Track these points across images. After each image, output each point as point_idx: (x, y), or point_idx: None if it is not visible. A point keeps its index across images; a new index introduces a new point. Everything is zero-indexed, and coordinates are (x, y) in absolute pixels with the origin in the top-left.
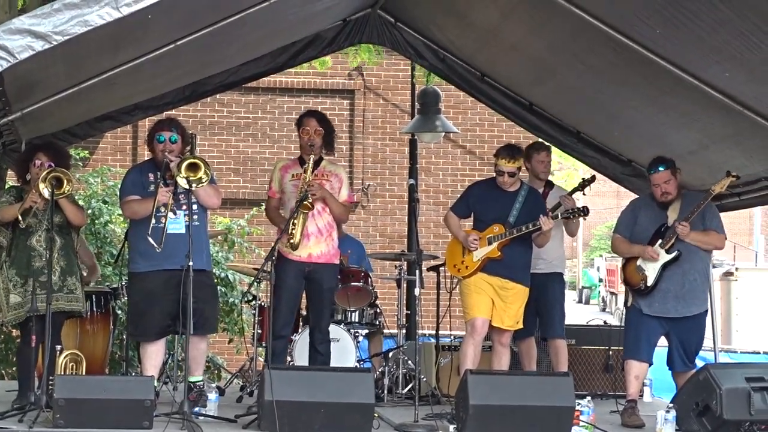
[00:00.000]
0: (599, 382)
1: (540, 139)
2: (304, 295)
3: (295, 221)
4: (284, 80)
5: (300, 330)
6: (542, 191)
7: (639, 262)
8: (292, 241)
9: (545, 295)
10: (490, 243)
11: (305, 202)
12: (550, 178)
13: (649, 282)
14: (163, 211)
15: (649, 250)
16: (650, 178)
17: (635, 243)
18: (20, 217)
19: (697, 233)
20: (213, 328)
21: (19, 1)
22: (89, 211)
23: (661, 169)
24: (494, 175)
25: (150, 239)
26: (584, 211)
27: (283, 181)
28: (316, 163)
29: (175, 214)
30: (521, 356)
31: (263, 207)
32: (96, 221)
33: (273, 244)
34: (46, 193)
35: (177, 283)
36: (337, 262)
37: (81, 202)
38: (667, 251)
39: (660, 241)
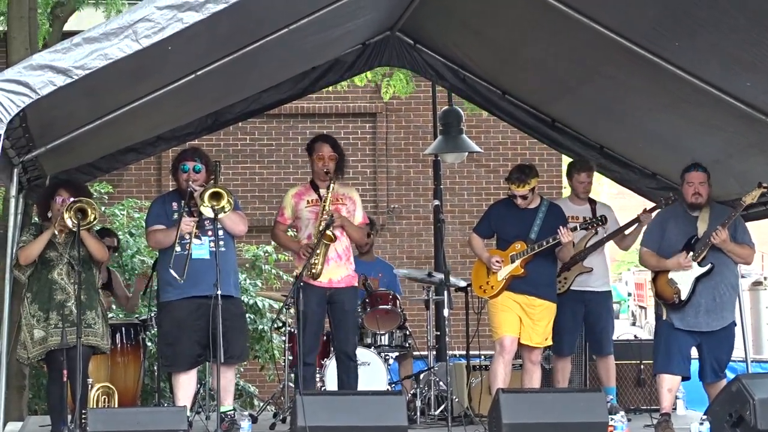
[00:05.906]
0: (632, 396)
1: (585, 158)
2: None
3: (318, 251)
4: (306, 106)
5: (330, 355)
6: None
7: (671, 275)
8: (314, 270)
9: (601, 312)
10: (513, 261)
11: (327, 233)
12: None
13: (683, 296)
14: (187, 238)
15: (682, 259)
16: (685, 177)
17: (664, 256)
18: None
19: (732, 243)
20: (241, 356)
21: (40, 41)
22: None
23: (699, 169)
24: None
25: (172, 271)
26: (602, 221)
27: (297, 209)
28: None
29: (200, 239)
30: (557, 373)
31: None
32: (123, 254)
33: (298, 270)
34: (70, 223)
35: (205, 311)
36: (357, 284)
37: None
38: (700, 264)
39: (692, 253)
